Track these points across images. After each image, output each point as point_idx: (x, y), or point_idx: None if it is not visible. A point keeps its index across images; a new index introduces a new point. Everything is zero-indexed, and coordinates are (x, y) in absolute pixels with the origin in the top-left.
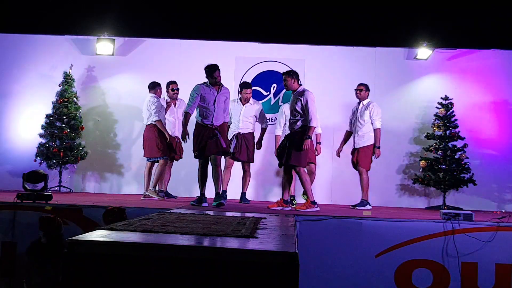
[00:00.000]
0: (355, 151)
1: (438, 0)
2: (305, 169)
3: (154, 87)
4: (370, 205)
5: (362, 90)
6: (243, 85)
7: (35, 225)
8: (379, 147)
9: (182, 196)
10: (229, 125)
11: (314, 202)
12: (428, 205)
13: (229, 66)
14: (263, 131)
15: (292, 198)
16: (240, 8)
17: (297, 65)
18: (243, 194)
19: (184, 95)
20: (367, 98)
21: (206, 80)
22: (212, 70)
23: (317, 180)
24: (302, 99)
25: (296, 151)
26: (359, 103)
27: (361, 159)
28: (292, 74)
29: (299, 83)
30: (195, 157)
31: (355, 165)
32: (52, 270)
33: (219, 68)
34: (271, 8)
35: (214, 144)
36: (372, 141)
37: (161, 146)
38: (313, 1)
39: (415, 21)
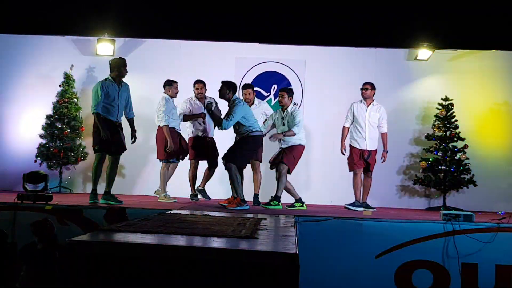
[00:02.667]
0: (365, 152)
1: (438, 1)
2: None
3: (165, 85)
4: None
5: (368, 89)
6: (242, 87)
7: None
8: (387, 151)
9: (181, 197)
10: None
11: (243, 201)
12: (428, 206)
13: (229, 66)
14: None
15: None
16: (240, 9)
17: (298, 65)
18: (256, 195)
19: (185, 95)
20: (373, 97)
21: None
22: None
23: (318, 180)
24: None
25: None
26: (361, 101)
27: (372, 162)
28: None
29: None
30: (95, 150)
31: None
32: (47, 273)
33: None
34: (271, 9)
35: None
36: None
37: (169, 149)
38: (313, 2)
39: (416, 22)
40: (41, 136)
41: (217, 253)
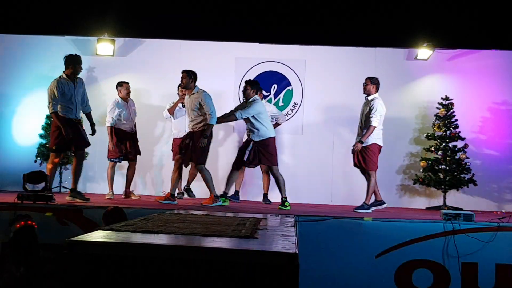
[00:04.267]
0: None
1: (438, 0)
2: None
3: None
4: (382, 205)
5: (368, 84)
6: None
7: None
8: (362, 142)
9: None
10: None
11: (217, 197)
12: (428, 206)
13: (229, 66)
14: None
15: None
16: (240, 9)
17: (298, 65)
18: (265, 195)
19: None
20: (374, 92)
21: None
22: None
23: (318, 180)
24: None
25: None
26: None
27: (365, 160)
28: None
29: (195, 84)
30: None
31: (358, 165)
32: (23, 271)
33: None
34: (271, 8)
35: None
36: (373, 140)
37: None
38: (313, 2)
39: (416, 22)
40: (41, 136)
41: (217, 253)
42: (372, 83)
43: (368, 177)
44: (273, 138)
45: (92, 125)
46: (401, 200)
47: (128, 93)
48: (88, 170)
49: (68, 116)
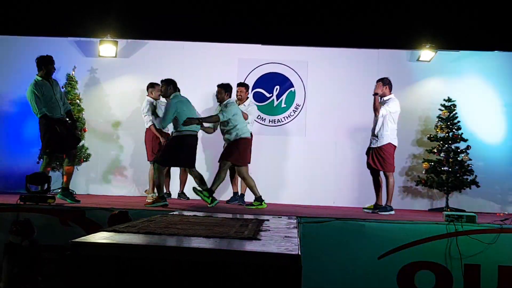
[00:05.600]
0: (370, 151)
1: (441, 1)
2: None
3: (147, 88)
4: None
5: (379, 86)
6: (237, 84)
7: (39, 227)
8: (376, 94)
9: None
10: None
11: (162, 197)
12: (431, 207)
13: (232, 68)
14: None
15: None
16: (243, 10)
17: (300, 67)
18: (242, 195)
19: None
20: (388, 93)
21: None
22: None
23: (320, 181)
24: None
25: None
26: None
27: (381, 162)
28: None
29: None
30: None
31: (373, 167)
32: (31, 271)
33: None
34: (273, 10)
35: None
36: (388, 140)
37: (156, 150)
38: (315, 3)
39: (418, 23)
40: None
41: (220, 254)
42: (384, 84)
43: (386, 178)
44: (247, 139)
45: (74, 122)
46: (403, 201)
47: (159, 94)
48: (90, 171)
49: (55, 116)
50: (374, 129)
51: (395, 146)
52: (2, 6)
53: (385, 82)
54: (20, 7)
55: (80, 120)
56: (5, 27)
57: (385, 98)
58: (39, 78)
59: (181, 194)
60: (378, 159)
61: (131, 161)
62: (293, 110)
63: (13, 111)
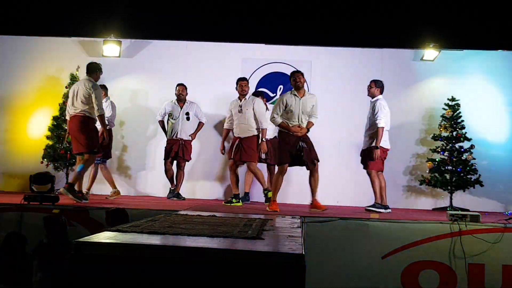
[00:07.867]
0: (362, 152)
1: (444, 1)
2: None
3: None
4: (386, 209)
5: (372, 87)
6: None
7: (42, 227)
8: (377, 148)
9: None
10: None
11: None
12: (434, 206)
13: (235, 67)
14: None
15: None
16: (247, 10)
17: (303, 66)
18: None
19: (192, 96)
20: (378, 95)
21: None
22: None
23: (324, 181)
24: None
25: None
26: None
27: (367, 160)
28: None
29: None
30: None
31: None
32: (56, 271)
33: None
34: (277, 10)
35: None
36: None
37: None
38: (319, 3)
39: (422, 22)
40: (47, 138)
41: (223, 254)
42: (376, 86)
43: (369, 177)
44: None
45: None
46: (407, 201)
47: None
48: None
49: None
50: (366, 131)
51: (386, 149)
52: (6, 6)
53: (378, 84)
54: (24, 8)
55: None
56: (9, 27)
57: (372, 100)
58: (94, 81)
59: (177, 194)
60: (363, 157)
61: (135, 161)
62: None
63: (17, 111)
